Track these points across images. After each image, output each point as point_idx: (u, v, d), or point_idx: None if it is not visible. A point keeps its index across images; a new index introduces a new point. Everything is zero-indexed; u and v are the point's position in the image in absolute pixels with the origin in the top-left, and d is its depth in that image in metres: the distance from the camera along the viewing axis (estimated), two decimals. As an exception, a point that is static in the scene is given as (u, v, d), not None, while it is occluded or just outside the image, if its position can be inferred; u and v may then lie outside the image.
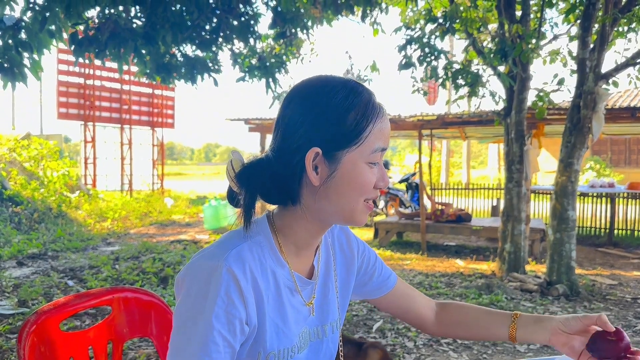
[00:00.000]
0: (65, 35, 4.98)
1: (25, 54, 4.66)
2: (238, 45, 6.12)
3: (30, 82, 4.77)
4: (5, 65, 4.58)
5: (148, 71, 5.73)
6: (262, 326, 0.92)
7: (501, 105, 5.85)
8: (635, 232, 9.06)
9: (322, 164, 0.91)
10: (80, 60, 5.11)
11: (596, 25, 5.18)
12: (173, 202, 13.74)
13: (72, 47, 4.95)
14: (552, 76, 5.69)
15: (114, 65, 13.48)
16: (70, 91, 13.27)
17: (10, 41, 4.54)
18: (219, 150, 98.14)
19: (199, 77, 5.75)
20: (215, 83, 5.79)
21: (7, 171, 10.35)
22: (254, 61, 6.18)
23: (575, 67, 5.36)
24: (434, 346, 3.76)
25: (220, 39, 5.64)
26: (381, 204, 11.09)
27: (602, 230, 9.10)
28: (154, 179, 15.84)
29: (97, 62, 13.40)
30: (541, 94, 5.76)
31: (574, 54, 5.55)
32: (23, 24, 4.55)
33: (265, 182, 0.92)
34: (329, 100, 0.91)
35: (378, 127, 0.92)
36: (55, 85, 13.00)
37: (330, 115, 0.90)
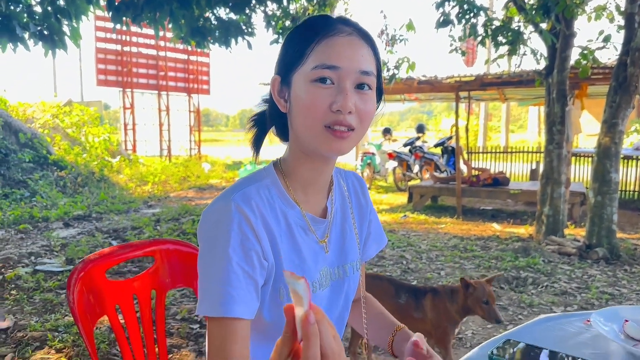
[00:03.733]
0: (102, 2, 5.04)
1: (64, 21, 4.74)
2: (271, 7, 6.06)
3: (69, 50, 4.89)
4: (45, 32, 4.68)
5: (183, 35, 5.75)
6: (278, 262, 0.95)
7: (543, 64, 5.65)
8: (682, 197, 8.74)
9: (284, 91, 0.97)
10: (118, 26, 5.16)
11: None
12: (210, 167, 13.99)
13: (110, 13, 5.00)
14: (597, 33, 5.44)
15: (150, 31, 13.62)
16: (108, 58, 13.48)
17: (49, 8, 4.62)
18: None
19: (232, 40, 5.74)
20: (249, 46, 5.77)
21: (51, 137, 10.70)
22: (287, 23, 6.12)
23: (622, 22, 5.11)
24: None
25: (253, 1, 5.59)
26: (416, 168, 10.98)
27: (647, 194, 8.81)
28: (191, 145, 16.10)
29: (134, 29, 13.53)
30: (585, 52, 5.52)
31: (622, 9, 5.28)
32: (61, -10, 4.61)
33: (267, 120, 1.04)
34: (291, 33, 0.97)
35: (323, 43, 0.91)
36: (93, 53, 13.22)
37: (286, 43, 0.96)
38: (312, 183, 1.02)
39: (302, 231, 1.00)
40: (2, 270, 4.40)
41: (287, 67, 0.95)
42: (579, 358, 1.03)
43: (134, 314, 1.38)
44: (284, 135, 1.04)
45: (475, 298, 2.40)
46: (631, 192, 9.09)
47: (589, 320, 1.22)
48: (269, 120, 1.04)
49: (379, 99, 0.99)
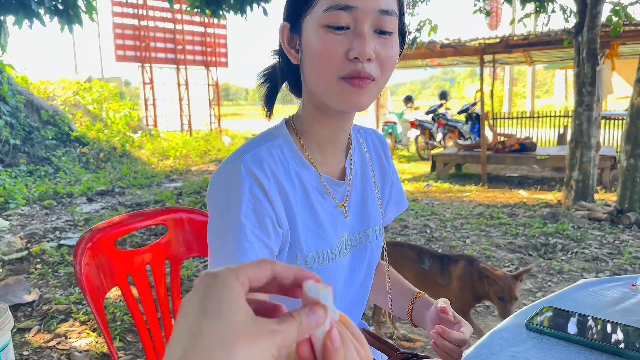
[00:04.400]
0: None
1: (78, -5, 4.67)
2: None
3: (87, 26, 4.84)
4: (60, 7, 4.63)
5: (198, 5, 5.64)
6: (294, 228, 0.86)
7: (572, 23, 5.39)
8: None
9: (294, 40, 0.86)
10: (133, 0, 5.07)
11: None
12: (230, 140, 13.97)
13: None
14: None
15: (166, 4, 13.45)
16: (126, 33, 13.42)
17: (62, -19, 4.55)
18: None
19: (248, 7, 5.60)
20: (265, 12, 5.62)
21: (72, 114, 10.77)
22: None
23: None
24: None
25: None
26: (439, 136, 10.77)
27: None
28: (211, 119, 16.08)
29: (150, 2, 13.37)
30: (617, 8, 5.23)
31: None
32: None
33: (278, 74, 0.94)
34: None
35: None
36: (111, 28, 13.18)
37: None
38: (329, 142, 0.93)
39: (319, 194, 0.91)
40: (28, 245, 4.45)
41: (296, 11, 0.84)
42: (626, 324, 0.94)
43: (148, 285, 1.33)
44: (297, 90, 0.94)
45: (493, 290, 2.31)
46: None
47: (634, 285, 1.12)
48: (280, 74, 0.94)
49: (401, 43, 0.88)
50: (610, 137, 9.41)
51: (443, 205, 6.00)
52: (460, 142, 9.20)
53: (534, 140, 9.17)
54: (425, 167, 9.40)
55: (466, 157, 8.11)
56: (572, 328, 0.95)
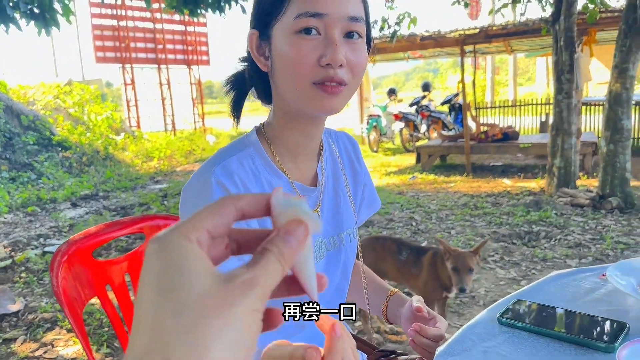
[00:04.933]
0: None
1: (55, -2, 4.61)
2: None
3: (66, 28, 4.79)
4: (36, 10, 4.57)
5: (175, 4, 5.59)
6: None
7: (549, 12, 5.43)
8: (697, 141, 8.54)
9: (263, 47, 0.87)
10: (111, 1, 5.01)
11: None
12: (215, 139, 13.91)
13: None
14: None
15: (144, 4, 13.32)
16: (105, 34, 13.27)
17: (37, -15, 4.49)
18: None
19: (226, 5, 5.56)
20: (243, 10, 5.59)
21: (53, 118, 10.64)
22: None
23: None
24: (481, 264, 3.71)
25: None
26: (423, 128, 10.82)
27: (661, 140, 8.59)
28: (195, 118, 15.98)
29: (128, 2, 13.21)
30: (593, -5, 5.29)
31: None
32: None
33: (247, 81, 0.94)
34: None
35: None
36: (90, 30, 13.02)
37: None
38: (301, 148, 0.93)
39: None
40: (12, 253, 4.41)
41: (265, 18, 0.84)
42: (593, 315, 0.96)
43: (127, 294, 1.33)
44: (266, 97, 0.94)
45: (450, 263, 2.43)
46: (644, 139, 8.88)
47: (604, 275, 1.14)
48: (249, 81, 0.94)
49: (368, 48, 0.89)
50: (592, 123, 9.53)
51: (428, 197, 6.04)
52: (444, 133, 9.25)
53: (517, 128, 9.26)
54: (410, 160, 9.44)
55: (450, 148, 8.16)
56: (542, 321, 0.97)
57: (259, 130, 0.94)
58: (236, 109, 0.98)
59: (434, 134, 10.15)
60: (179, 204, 0.88)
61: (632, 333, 0.92)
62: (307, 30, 0.79)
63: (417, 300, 1.00)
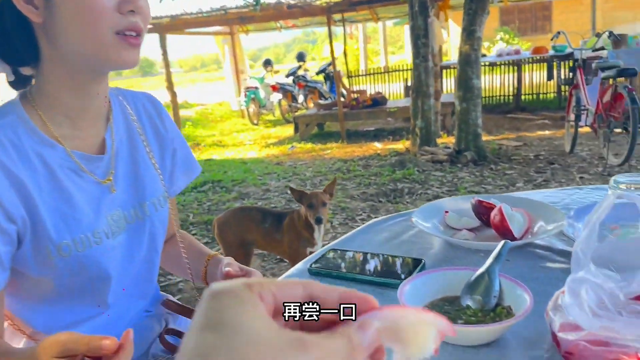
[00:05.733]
0: None
1: None
2: None
3: None
4: None
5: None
6: (36, 217, 0.79)
7: (403, -22, 5.67)
8: (540, 95, 9.52)
9: None
10: None
11: None
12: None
13: None
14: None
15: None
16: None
17: None
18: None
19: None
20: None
21: None
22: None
23: None
24: (332, 200, 3.87)
25: None
26: (300, 98, 10.92)
27: (510, 97, 9.45)
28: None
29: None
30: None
31: None
32: None
33: None
34: None
35: None
36: None
37: None
38: (81, 112, 0.86)
39: (73, 173, 0.84)
40: None
41: None
42: (396, 256, 1.03)
43: None
44: (25, 56, 0.81)
45: (305, 203, 2.58)
46: (497, 97, 9.72)
47: (413, 219, 1.22)
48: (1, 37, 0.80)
49: None
50: (451, 86, 10.21)
51: (305, 165, 6.15)
52: (320, 102, 9.42)
53: (387, 94, 9.68)
54: (290, 130, 9.51)
55: (326, 116, 8.34)
56: (346, 266, 1.02)
57: (24, 96, 0.84)
58: None
59: (311, 104, 10.30)
60: None
61: (428, 268, 0.99)
62: None
63: (226, 265, 0.97)
